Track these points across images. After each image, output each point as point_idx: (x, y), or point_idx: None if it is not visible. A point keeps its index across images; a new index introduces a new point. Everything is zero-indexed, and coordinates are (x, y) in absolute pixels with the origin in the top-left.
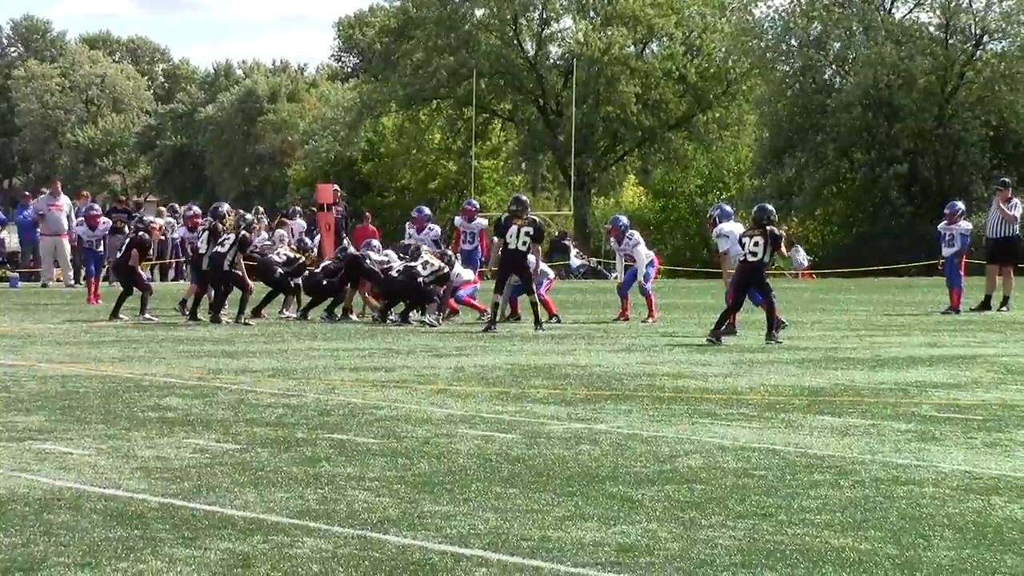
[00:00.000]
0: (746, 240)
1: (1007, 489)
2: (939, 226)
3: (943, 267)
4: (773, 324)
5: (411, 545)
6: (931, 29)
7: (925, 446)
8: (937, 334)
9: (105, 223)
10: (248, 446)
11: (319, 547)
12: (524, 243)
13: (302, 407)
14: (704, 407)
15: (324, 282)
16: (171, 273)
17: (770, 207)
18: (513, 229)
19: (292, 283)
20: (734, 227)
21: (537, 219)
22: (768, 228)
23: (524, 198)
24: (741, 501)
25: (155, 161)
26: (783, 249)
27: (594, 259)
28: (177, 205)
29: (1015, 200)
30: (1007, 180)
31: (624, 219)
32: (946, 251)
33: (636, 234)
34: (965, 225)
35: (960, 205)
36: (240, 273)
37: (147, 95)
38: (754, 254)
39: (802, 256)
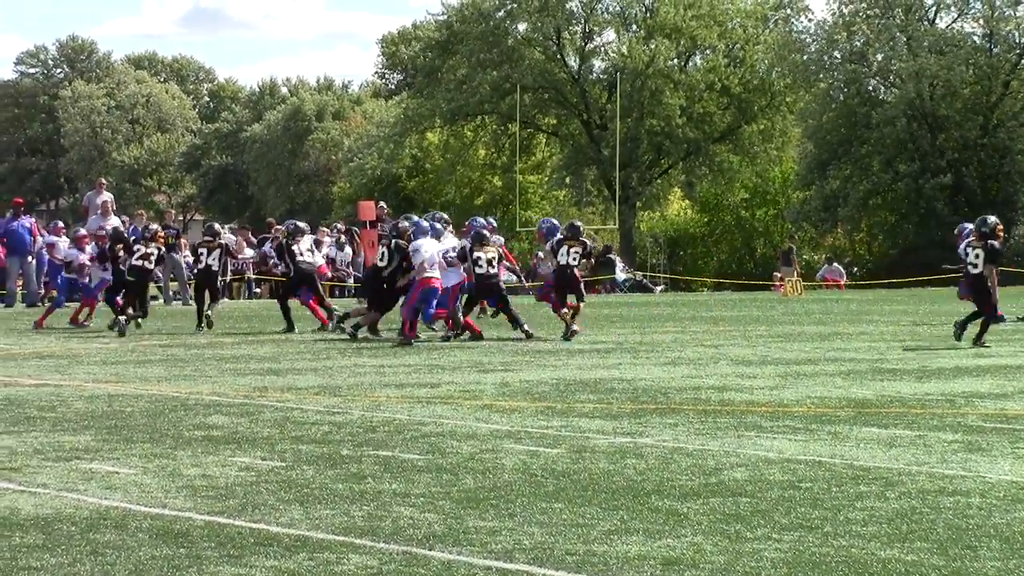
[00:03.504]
0: (563, 249)
1: None
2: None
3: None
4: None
5: (456, 561)
6: (975, 39)
7: (972, 456)
8: (984, 344)
9: (92, 249)
10: (293, 463)
11: (365, 564)
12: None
13: (347, 424)
14: (750, 420)
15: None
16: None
17: (579, 223)
18: (564, 249)
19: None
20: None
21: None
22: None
23: (577, 223)
24: (787, 514)
25: (200, 180)
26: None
27: (639, 273)
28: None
29: None
30: None
31: (552, 221)
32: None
33: (552, 243)
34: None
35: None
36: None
37: (192, 114)
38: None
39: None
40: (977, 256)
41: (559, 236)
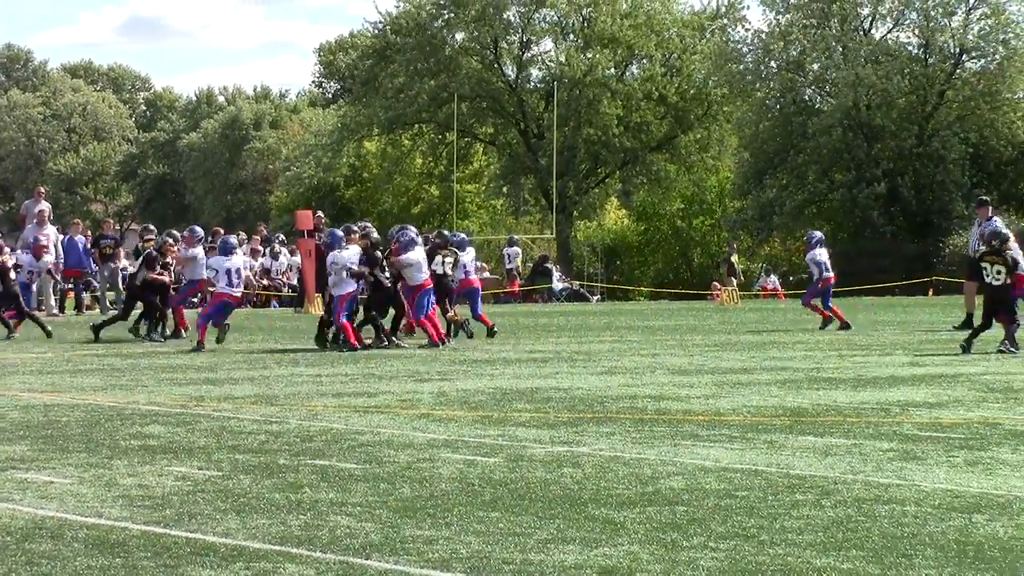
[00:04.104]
0: (437, 259)
1: (988, 507)
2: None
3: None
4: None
5: (393, 570)
6: (910, 49)
7: (907, 465)
8: (919, 353)
9: (49, 256)
10: (230, 473)
11: (301, 573)
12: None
13: (284, 433)
14: (686, 428)
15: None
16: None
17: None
18: (438, 259)
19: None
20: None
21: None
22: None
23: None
24: (723, 522)
25: (137, 189)
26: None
27: (576, 282)
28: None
29: (994, 218)
30: (985, 199)
31: (411, 231)
32: None
33: (411, 255)
34: None
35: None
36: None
37: (129, 123)
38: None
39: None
40: (999, 272)
41: (431, 245)
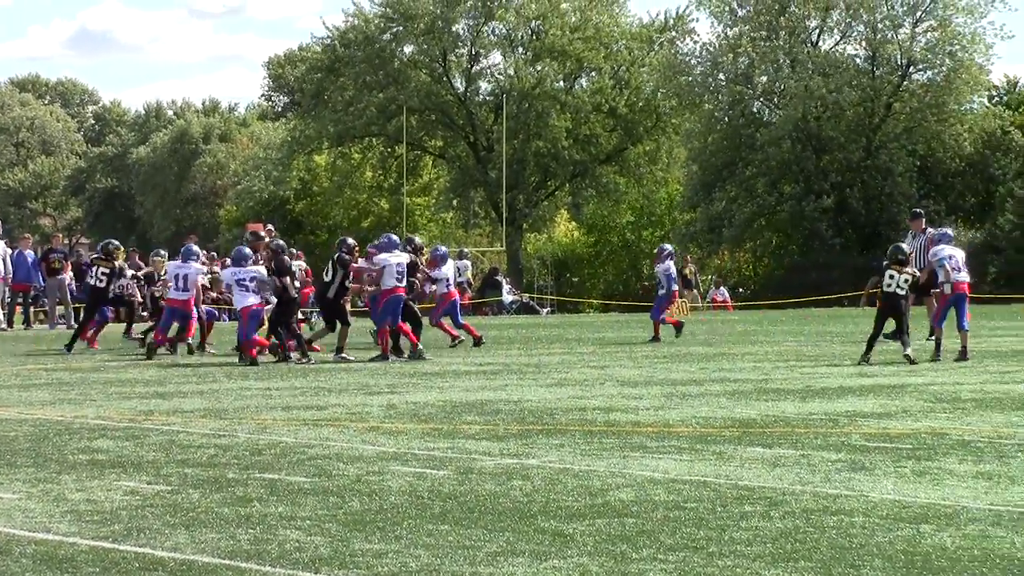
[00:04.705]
0: None
1: (936, 517)
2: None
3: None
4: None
5: None
6: (858, 61)
7: (855, 476)
8: (866, 364)
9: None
10: (179, 487)
11: None
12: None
13: (233, 447)
14: (635, 440)
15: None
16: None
17: (350, 240)
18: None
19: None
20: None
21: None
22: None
23: (350, 241)
24: (672, 534)
25: (86, 203)
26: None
27: (526, 295)
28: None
29: (929, 229)
30: (919, 211)
31: (391, 236)
32: None
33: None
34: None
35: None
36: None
37: (77, 137)
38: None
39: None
40: (905, 281)
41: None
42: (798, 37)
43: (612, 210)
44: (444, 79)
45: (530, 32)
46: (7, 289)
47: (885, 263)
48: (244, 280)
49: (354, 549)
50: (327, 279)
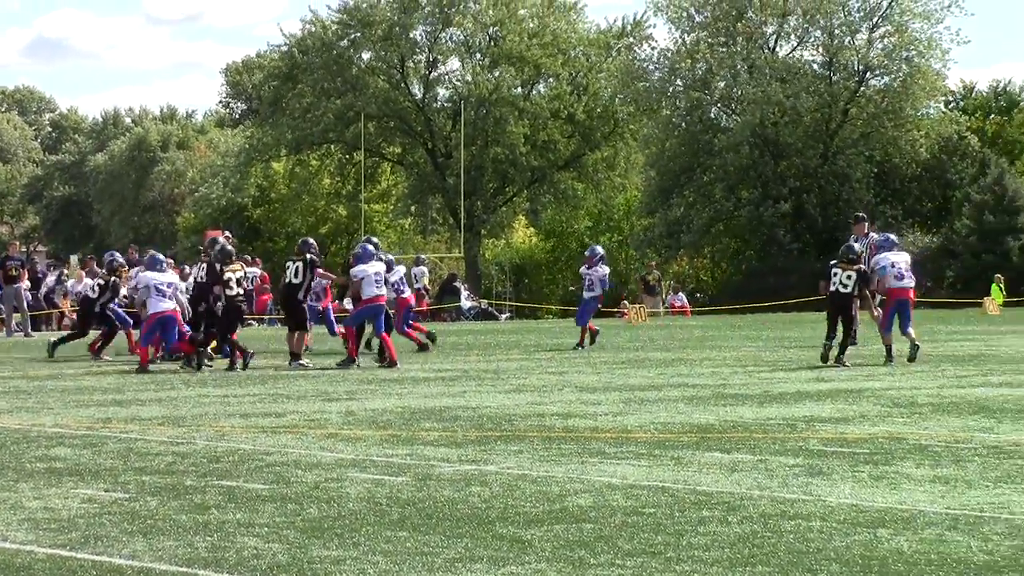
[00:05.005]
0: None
1: (893, 522)
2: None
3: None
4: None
5: None
6: (815, 67)
7: (812, 480)
8: (824, 369)
9: None
10: (137, 495)
11: None
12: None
13: (191, 454)
14: (594, 446)
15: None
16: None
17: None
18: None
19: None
20: None
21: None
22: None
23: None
24: (630, 539)
25: (43, 211)
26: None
27: (485, 301)
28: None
29: (872, 234)
30: (862, 215)
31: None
32: None
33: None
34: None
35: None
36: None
37: (34, 145)
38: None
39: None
40: (849, 278)
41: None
42: (755, 43)
43: (570, 216)
44: (402, 85)
45: (488, 38)
46: None
47: (832, 263)
48: (162, 286)
49: (312, 556)
50: (296, 281)
